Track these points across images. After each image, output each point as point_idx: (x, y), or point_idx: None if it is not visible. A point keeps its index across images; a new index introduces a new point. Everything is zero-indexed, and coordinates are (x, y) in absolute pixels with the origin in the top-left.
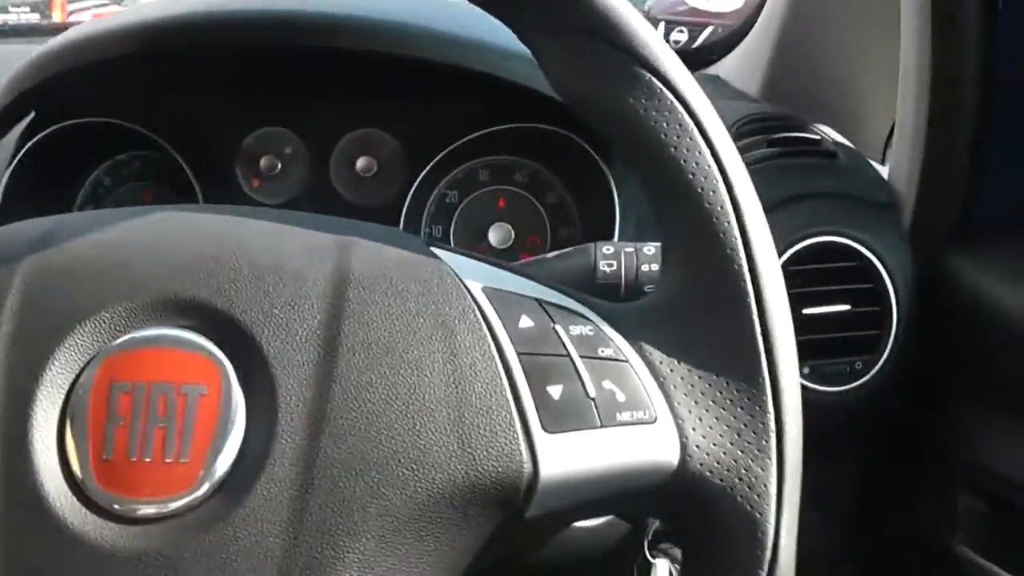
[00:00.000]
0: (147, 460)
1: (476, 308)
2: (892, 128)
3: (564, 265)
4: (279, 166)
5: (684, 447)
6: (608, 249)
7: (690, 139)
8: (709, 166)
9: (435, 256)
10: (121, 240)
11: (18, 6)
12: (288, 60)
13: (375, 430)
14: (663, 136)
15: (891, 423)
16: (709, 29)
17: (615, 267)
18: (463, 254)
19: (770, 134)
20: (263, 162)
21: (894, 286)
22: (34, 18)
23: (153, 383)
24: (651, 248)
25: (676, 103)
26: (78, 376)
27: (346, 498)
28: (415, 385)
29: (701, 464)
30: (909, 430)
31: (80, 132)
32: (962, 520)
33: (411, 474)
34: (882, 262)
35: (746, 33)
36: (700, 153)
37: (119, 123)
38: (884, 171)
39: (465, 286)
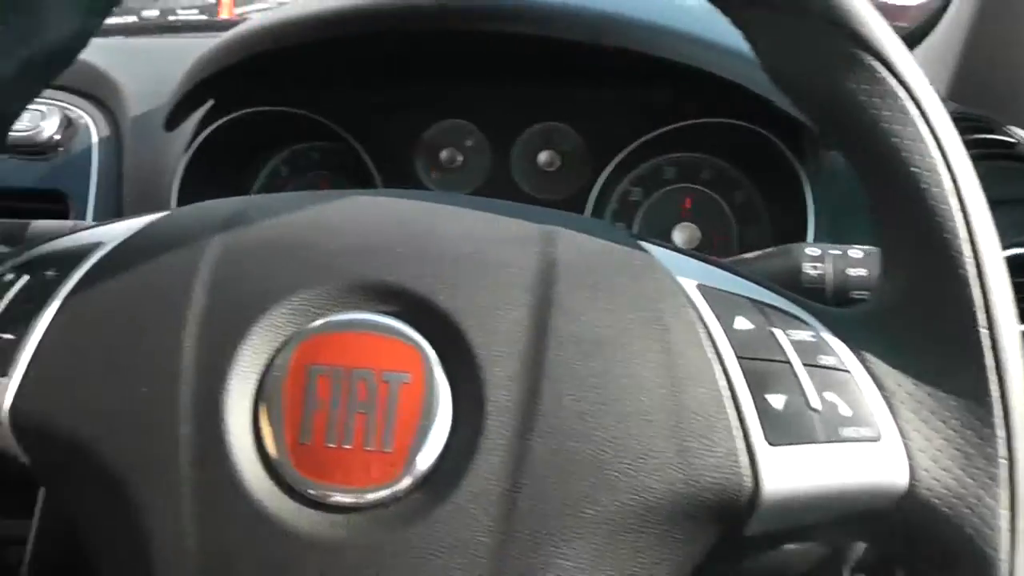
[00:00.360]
0: (346, 447)
1: (691, 305)
2: None
3: (767, 265)
4: (459, 158)
5: (912, 470)
6: (814, 251)
7: (914, 128)
8: (934, 158)
9: (643, 249)
10: (314, 222)
11: (187, 9)
12: (471, 49)
13: (588, 430)
14: (885, 125)
15: None
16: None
17: (821, 270)
18: (673, 249)
19: (963, 135)
20: (443, 154)
21: None
22: (203, 20)
23: (353, 368)
24: (858, 251)
25: (900, 89)
26: (272, 358)
27: (558, 500)
28: (629, 384)
29: (929, 490)
30: None
31: (259, 120)
32: None
33: (627, 480)
34: None
35: (931, 29)
36: (924, 143)
37: (299, 112)
38: None
39: (677, 281)
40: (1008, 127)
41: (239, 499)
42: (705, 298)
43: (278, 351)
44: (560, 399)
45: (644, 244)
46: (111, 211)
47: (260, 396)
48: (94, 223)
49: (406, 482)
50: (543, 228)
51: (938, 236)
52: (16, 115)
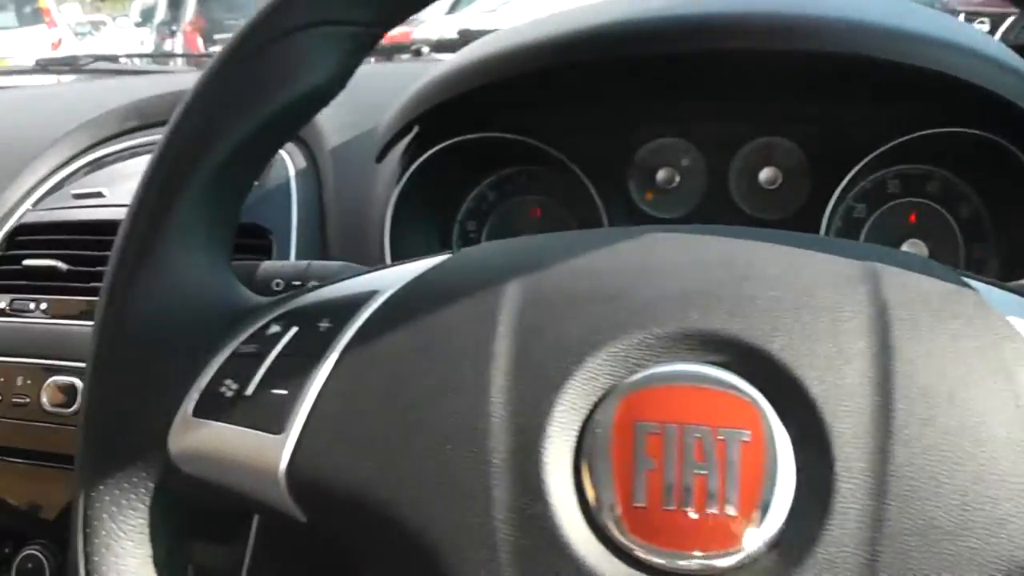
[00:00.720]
0: (687, 510)
1: None
2: None
3: None
4: (676, 178)
5: None
6: None
7: None
8: None
9: (969, 286)
10: (621, 264)
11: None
12: (684, 65)
13: (945, 493)
14: None
15: None
16: (1011, 18)
17: None
18: (996, 285)
19: None
20: (660, 175)
21: None
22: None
23: (686, 425)
24: None
25: None
26: (591, 413)
27: (919, 569)
28: (984, 442)
29: None
30: None
31: (464, 147)
32: None
33: (989, 549)
34: None
35: None
36: None
37: (510, 137)
38: None
39: (1011, 324)
40: None
41: (565, 562)
42: None
43: (597, 405)
44: (914, 458)
45: (968, 280)
46: (315, 245)
47: (581, 454)
48: (343, 264)
49: (755, 547)
50: (863, 265)
51: None
52: (262, 167)
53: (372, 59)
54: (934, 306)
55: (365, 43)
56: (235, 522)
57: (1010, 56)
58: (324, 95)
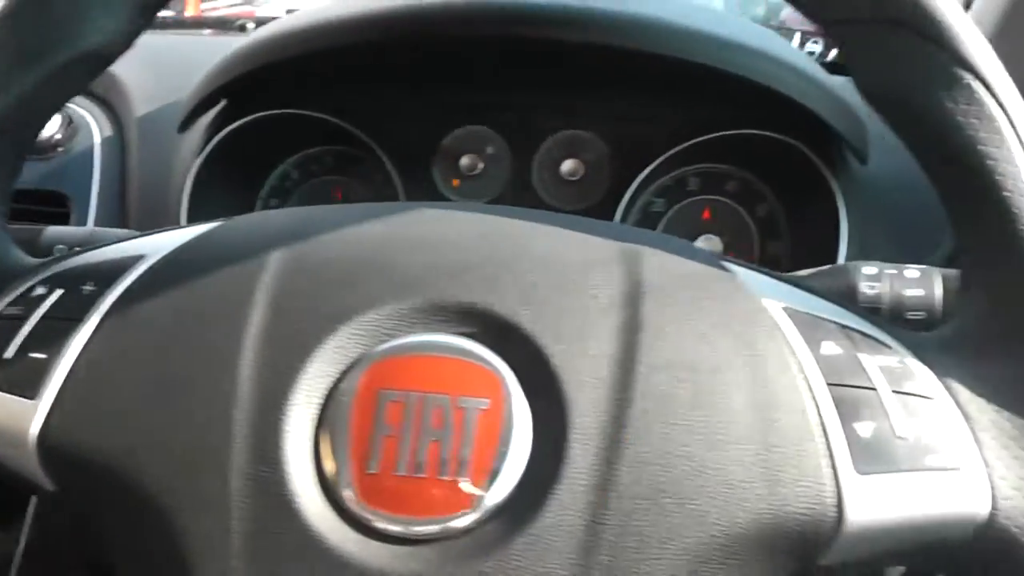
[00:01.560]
0: (419, 476)
1: (779, 329)
2: None
3: (822, 283)
4: (480, 166)
5: (994, 500)
6: (870, 270)
7: (1009, 152)
8: None
9: (727, 270)
10: (384, 237)
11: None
12: (493, 54)
13: (676, 459)
14: (980, 147)
15: None
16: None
17: (877, 289)
18: (756, 269)
19: None
20: (464, 161)
21: None
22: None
23: (427, 394)
24: (914, 271)
25: (998, 111)
26: (338, 381)
27: (641, 532)
28: (719, 412)
29: (1009, 519)
30: None
31: (272, 123)
32: None
33: (713, 511)
34: None
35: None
36: (1018, 168)
37: (317, 116)
38: None
39: (764, 304)
40: None
41: (297, 532)
42: (793, 321)
43: (344, 374)
44: (647, 427)
45: (727, 264)
46: (114, 214)
47: (322, 423)
48: (127, 232)
49: (481, 512)
50: (625, 247)
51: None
52: (43, 123)
53: (206, 32)
54: (689, 286)
55: (151, 5)
56: (10, 506)
57: (808, 64)
58: (107, 55)
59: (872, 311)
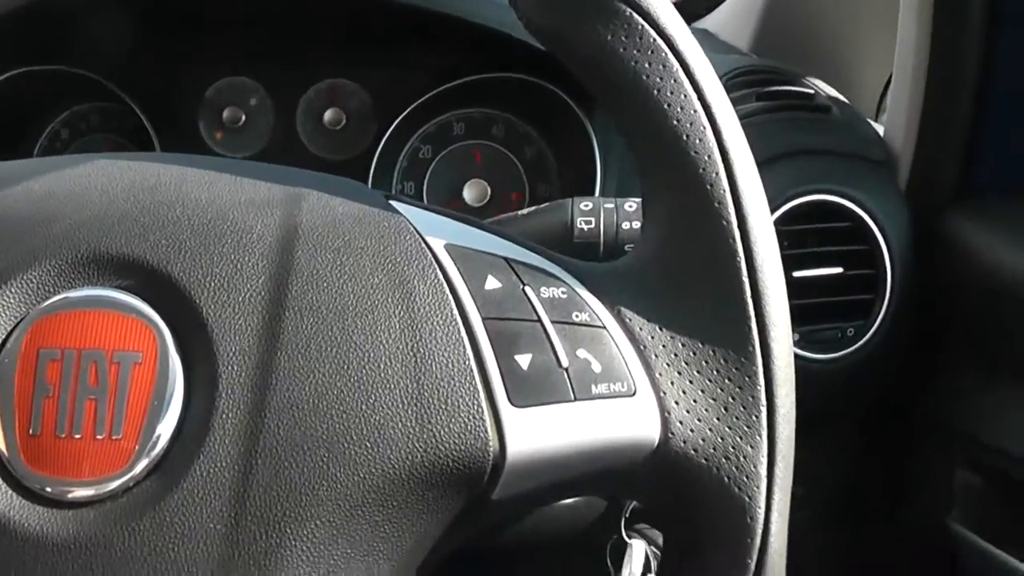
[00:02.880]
0: (77, 436)
1: (437, 267)
2: (887, 84)
3: (538, 222)
4: (243, 118)
5: (666, 423)
6: (586, 205)
7: (674, 81)
8: (696, 111)
9: (393, 210)
10: (52, 190)
11: None
12: (253, 4)
13: (324, 404)
14: (645, 78)
15: (883, 394)
16: None
17: (593, 224)
18: (426, 208)
19: (760, 87)
20: (226, 113)
21: (888, 248)
22: None
23: (84, 350)
24: (632, 204)
25: (660, 41)
26: (4, 341)
27: (292, 480)
28: (369, 353)
29: (685, 442)
30: (902, 402)
31: (35, 80)
32: (958, 497)
33: (364, 453)
34: (876, 223)
35: None
36: (686, 97)
37: (75, 71)
38: (880, 128)
39: (426, 242)
40: (807, 78)
41: None
42: (453, 258)
43: (10, 334)
44: (296, 373)
45: (397, 205)
46: None
47: None
48: None
49: (138, 469)
50: (288, 190)
51: (698, 188)
52: None
53: None
54: (348, 228)
55: None
56: None
57: None
58: None
59: (590, 246)
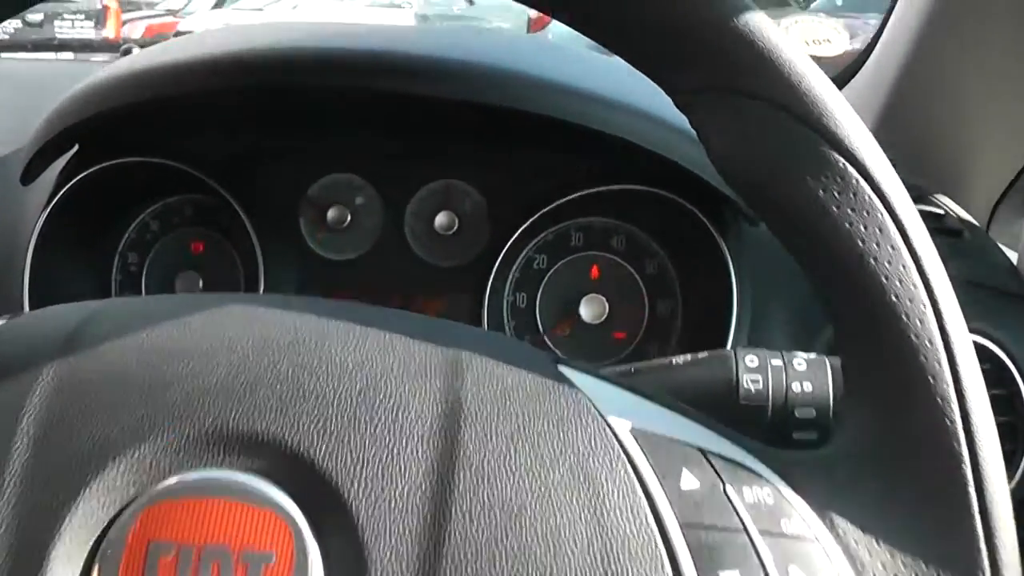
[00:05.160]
0: None
1: (626, 458)
2: (1003, 193)
3: (698, 376)
4: (348, 217)
5: None
6: (751, 360)
7: (892, 248)
8: (915, 286)
9: (567, 381)
10: (175, 343)
11: (74, 14)
12: (365, 101)
13: None
14: (861, 243)
15: None
16: None
17: (761, 385)
18: (599, 377)
19: None
20: (331, 213)
21: None
22: (89, 26)
23: (204, 546)
24: (801, 361)
25: (876, 200)
26: (107, 528)
27: None
28: (551, 567)
29: None
30: None
31: (127, 171)
32: None
33: None
34: (1017, 365)
35: (848, 79)
36: (904, 268)
37: (170, 164)
38: (1012, 255)
39: (610, 426)
40: (935, 195)
41: None
42: (641, 447)
43: (114, 520)
44: None
45: (567, 372)
46: None
47: None
48: None
49: None
50: (448, 354)
51: (919, 381)
52: None
53: (72, 55)
54: (521, 405)
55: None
56: None
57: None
58: None
59: (756, 409)
